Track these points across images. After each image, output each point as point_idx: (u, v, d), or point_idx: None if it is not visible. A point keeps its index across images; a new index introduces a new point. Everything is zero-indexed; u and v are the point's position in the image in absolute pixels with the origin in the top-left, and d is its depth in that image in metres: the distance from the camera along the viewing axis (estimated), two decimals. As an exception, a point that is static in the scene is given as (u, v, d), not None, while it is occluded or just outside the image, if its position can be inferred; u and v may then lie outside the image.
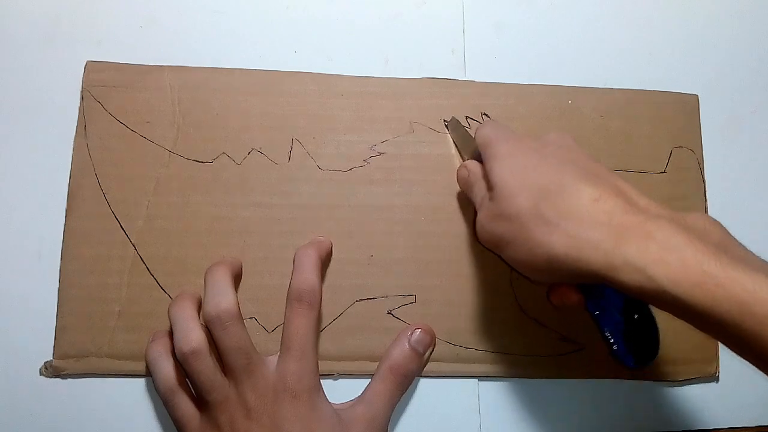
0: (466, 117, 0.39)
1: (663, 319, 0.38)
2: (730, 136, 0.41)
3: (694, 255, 0.23)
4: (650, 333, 0.31)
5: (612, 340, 0.31)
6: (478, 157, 0.34)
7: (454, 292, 0.37)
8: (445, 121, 0.39)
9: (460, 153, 0.38)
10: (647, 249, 0.24)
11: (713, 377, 0.38)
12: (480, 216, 0.31)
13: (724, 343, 0.24)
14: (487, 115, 0.39)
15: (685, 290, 0.23)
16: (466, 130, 0.38)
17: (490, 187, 0.31)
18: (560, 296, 0.31)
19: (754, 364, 0.24)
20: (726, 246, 0.24)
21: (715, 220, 0.26)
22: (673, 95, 0.41)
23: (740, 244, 0.25)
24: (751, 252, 0.25)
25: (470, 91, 0.40)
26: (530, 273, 0.29)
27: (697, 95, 0.41)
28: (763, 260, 0.24)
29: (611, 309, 0.30)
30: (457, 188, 0.38)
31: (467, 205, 0.38)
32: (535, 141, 0.32)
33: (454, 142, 0.39)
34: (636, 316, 0.30)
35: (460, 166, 0.36)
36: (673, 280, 0.23)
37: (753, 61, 0.43)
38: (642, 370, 0.37)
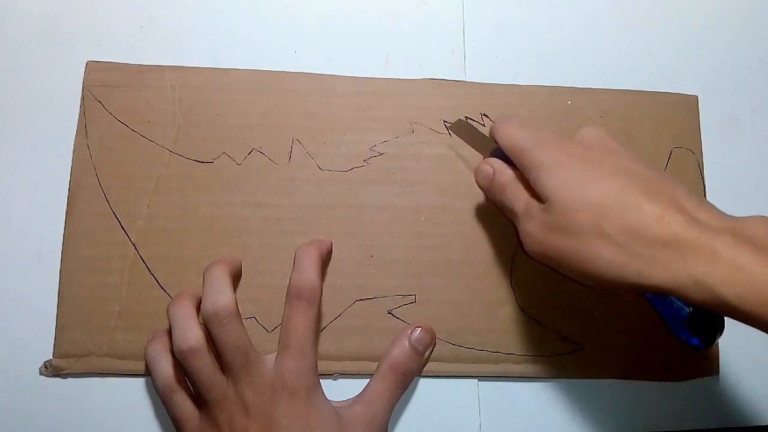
0: (466, 117, 0.39)
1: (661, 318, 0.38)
2: (730, 136, 0.41)
3: (761, 272, 0.24)
4: (713, 315, 0.30)
5: (674, 329, 0.30)
6: (500, 156, 0.34)
7: (454, 292, 0.37)
8: (446, 122, 0.39)
9: (478, 150, 0.37)
10: (715, 268, 0.25)
11: (714, 376, 0.38)
12: (528, 227, 0.31)
13: None
14: (486, 115, 0.39)
15: (756, 307, 0.24)
16: (477, 130, 0.37)
17: (539, 197, 0.30)
18: (619, 296, 0.31)
19: None
20: None
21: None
22: (672, 96, 0.41)
23: None
24: None
25: (470, 91, 0.40)
26: (592, 284, 0.29)
27: (696, 96, 0.41)
28: None
29: (671, 301, 0.30)
30: (457, 188, 0.38)
31: (467, 203, 0.38)
32: (575, 144, 0.31)
33: (466, 142, 0.38)
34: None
35: (482, 163, 0.35)
36: (744, 299, 0.24)
37: (753, 62, 0.43)
38: (709, 350, 0.36)
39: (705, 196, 0.40)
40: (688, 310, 0.29)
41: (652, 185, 0.28)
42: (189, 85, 0.38)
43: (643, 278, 0.27)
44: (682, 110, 0.41)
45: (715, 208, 0.28)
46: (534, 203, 0.31)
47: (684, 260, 0.25)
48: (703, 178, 0.40)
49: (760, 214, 0.27)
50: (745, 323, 0.25)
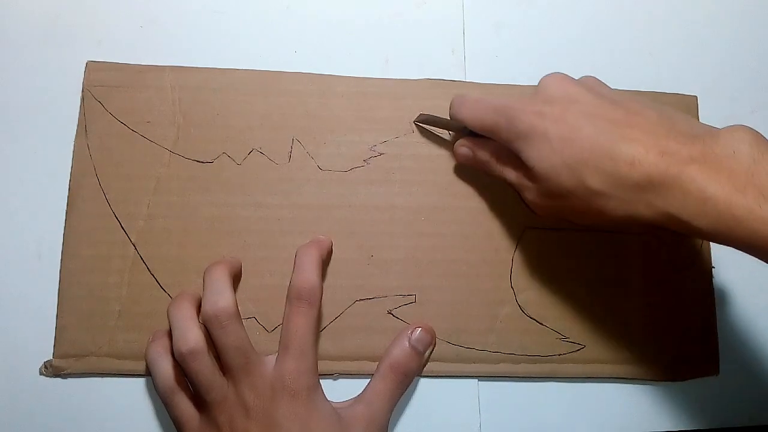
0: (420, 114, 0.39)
1: (663, 319, 0.38)
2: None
3: (724, 202, 0.26)
4: None
5: None
6: (469, 134, 0.36)
7: (454, 292, 0.37)
8: (415, 122, 0.39)
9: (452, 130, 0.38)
10: (686, 203, 0.27)
11: (714, 376, 0.38)
12: (528, 195, 0.34)
13: None
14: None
15: (726, 235, 0.27)
16: (440, 118, 0.37)
17: (524, 167, 0.32)
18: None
19: None
20: (754, 172, 0.26)
21: (745, 133, 0.27)
22: (672, 96, 0.41)
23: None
24: None
25: (470, 91, 0.39)
26: (604, 227, 0.35)
27: (696, 96, 0.41)
28: None
29: None
30: (457, 188, 0.38)
31: (467, 203, 0.38)
32: (538, 102, 0.32)
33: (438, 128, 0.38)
34: None
35: (457, 145, 0.37)
36: (714, 230, 0.27)
37: (752, 62, 0.43)
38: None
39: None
40: None
41: (619, 125, 0.30)
42: (189, 85, 0.38)
43: (637, 217, 0.29)
44: (682, 110, 0.40)
45: (687, 123, 0.30)
46: (521, 174, 0.33)
47: (661, 198, 0.28)
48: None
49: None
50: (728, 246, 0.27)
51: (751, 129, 0.28)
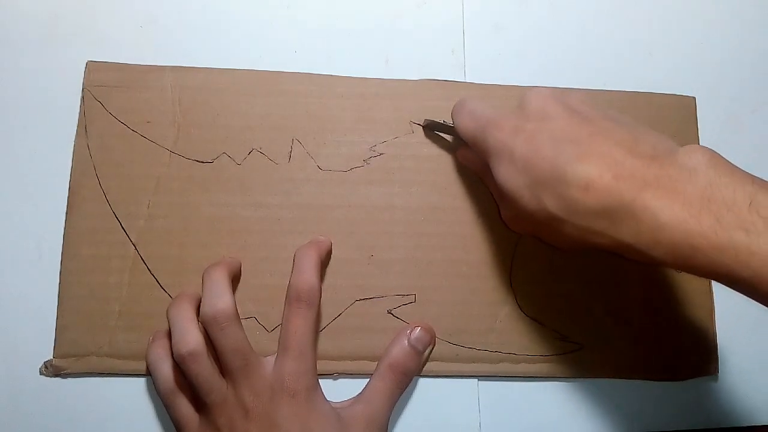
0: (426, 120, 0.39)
1: (662, 319, 0.38)
2: (728, 137, 0.41)
3: (681, 232, 0.25)
4: None
5: None
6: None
7: (454, 292, 0.37)
8: (415, 123, 0.39)
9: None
10: (640, 232, 0.26)
11: (713, 376, 0.38)
12: (503, 212, 0.36)
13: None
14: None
15: (683, 263, 0.26)
16: (444, 124, 0.37)
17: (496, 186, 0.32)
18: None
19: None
20: (710, 196, 0.25)
21: (703, 154, 0.26)
22: (670, 97, 0.41)
23: (727, 168, 0.26)
24: (738, 173, 0.26)
25: (470, 92, 0.39)
26: (572, 250, 0.34)
27: (694, 97, 0.41)
28: (749, 178, 0.26)
29: None
30: (457, 188, 0.38)
31: (467, 203, 0.38)
32: (515, 117, 0.32)
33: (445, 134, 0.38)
34: None
35: (459, 150, 0.38)
36: (670, 257, 0.26)
37: (751, 63, 0.43)
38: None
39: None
40: None
41: (580, 145, 0.28)
42: (189, 85, 0.38)
43: (594, 245, 0.28)
44: (680, 111, 0.41)
45: (651, 142, 0.28)
46: (496, 189, 0.34)
47: (616, 226, 0.27)
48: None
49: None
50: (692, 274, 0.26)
51: (710, 150, 0.27)
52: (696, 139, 0.41)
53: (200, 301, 0.33)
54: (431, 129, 0.38)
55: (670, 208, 0.25)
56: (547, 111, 0.31)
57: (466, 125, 0.34)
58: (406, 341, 0.35)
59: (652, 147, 0.28)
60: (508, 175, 0.30)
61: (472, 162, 0.37)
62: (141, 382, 0.35)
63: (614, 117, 0.30)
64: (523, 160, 0.30)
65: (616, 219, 0.27)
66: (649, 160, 0.27)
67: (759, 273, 0.23)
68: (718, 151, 0.27)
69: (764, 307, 0.25)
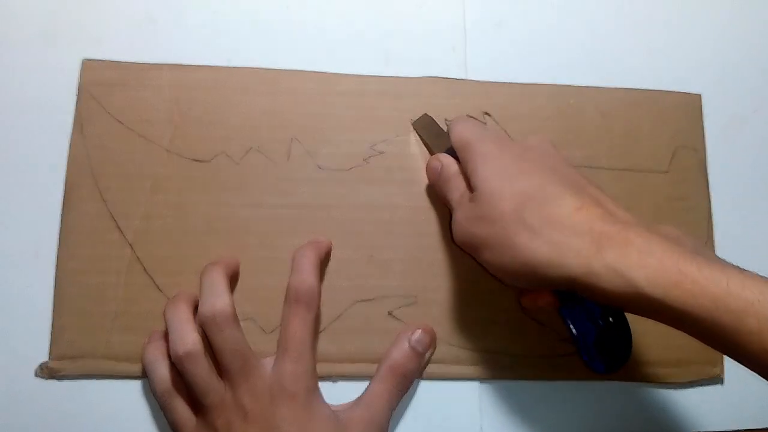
0: (445, 120, 0.39)
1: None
2: (734, 135, 0.41)
3: (671, 257, 0.25)
4: (622, 341, 0.32)
5: (582, 347, 0.33)
6: (452, 153, 0.35)
7: (454, 292, 0.36)
8: (411, 120, 0.38)
9: (429, 149, 0.38)
10: (627, 254, 0.26)
11: (718, 379, 0.37)
12: (458, 215, 0.32)
13: (699, 339, 0.25)
14: (489, 114, 0.39)
15: (663, 291, 0.24)
16: (439, 127, 0.38)
17: (471, 187, 0.32)
18: (534, 298, 0.32)
19: (731, 357, 0.25)
20: (699, 251, 0.26)
21: (687, 233, 0.28)
22: (676, 95, 0.41)
23: (711, 251, 0.28)
24: (722, 259, 0.26)
25: (471, 90, 0.39)
26: (508, 277, 0.30)
27: (700, 95, 0.41)
28: (734, 265, 0.25)
29: (584, 316, 0.32)
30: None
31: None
32: (517, 145, 0.33)
33: (422, 139, 0.38)
34: (609, 323, 0.31)
35: (432, 158, 0.36)
36: (652, 282, 0.25)
37: (756, 60, 0.43)
38: (610, 376, 0.36)
39: (708, 195, 0.39)
40: (600, 324, 0.31)
41: (577, 184, 0.30)
42: (187, 83, 0.38)
43: (553, 266, 0.27)
44: (686, 109, 0.41)
45: (633, 216, 0.29)
46: (467, 194, 0.32)
47: (597, 248, 0.26)
48: (706, 177, 0.40)
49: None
50: (651, 316, 0.26)
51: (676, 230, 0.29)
52: (702, 137, 0.40)
53: (198, 302, 0.32)
54: (422, 127, 0.38)
55: (662, 240, 0.26)
56: (548, 150, 0.33)
57: (465, 129, 0.34)
58: (406, 343, 0.34)
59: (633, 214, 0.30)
60: (493, 175, 0.31)
61: (437, 172, 0.35)
62: (137, 384, 0.35)
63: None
64: (514, 170, 0.31)
65: (601, 239, 0.26)
66: (637, 216, 0.29)
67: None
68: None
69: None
